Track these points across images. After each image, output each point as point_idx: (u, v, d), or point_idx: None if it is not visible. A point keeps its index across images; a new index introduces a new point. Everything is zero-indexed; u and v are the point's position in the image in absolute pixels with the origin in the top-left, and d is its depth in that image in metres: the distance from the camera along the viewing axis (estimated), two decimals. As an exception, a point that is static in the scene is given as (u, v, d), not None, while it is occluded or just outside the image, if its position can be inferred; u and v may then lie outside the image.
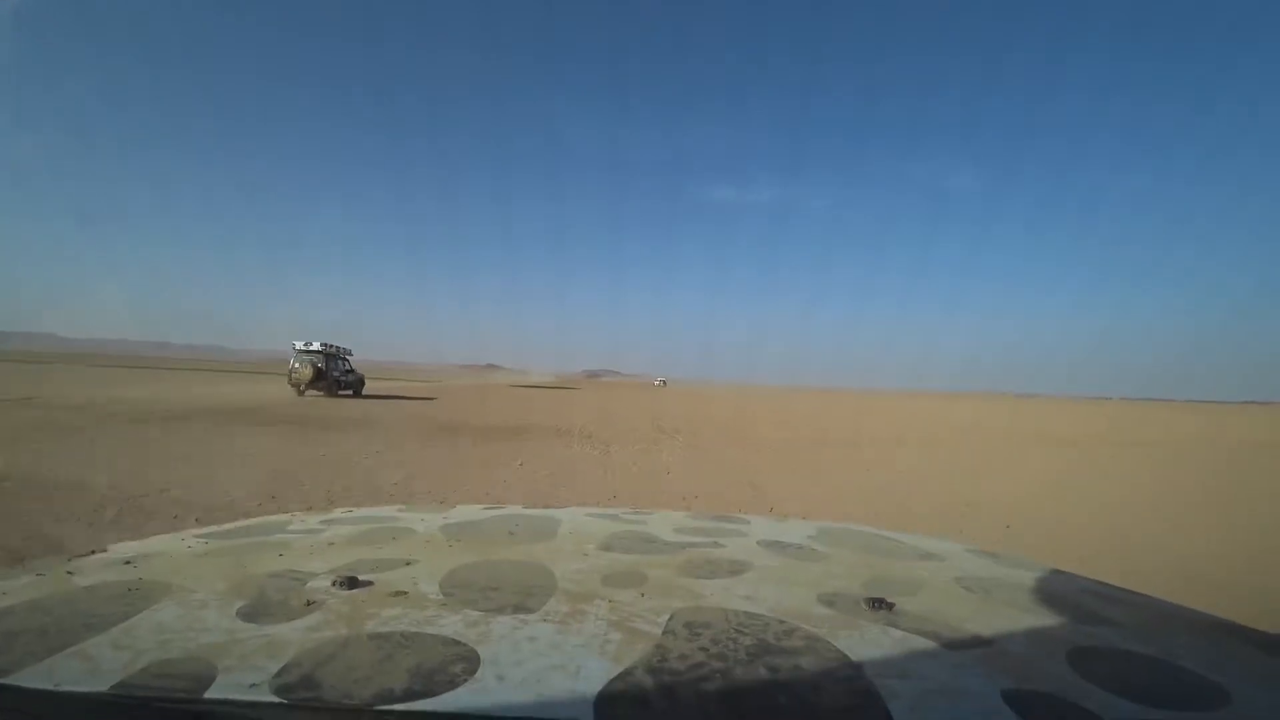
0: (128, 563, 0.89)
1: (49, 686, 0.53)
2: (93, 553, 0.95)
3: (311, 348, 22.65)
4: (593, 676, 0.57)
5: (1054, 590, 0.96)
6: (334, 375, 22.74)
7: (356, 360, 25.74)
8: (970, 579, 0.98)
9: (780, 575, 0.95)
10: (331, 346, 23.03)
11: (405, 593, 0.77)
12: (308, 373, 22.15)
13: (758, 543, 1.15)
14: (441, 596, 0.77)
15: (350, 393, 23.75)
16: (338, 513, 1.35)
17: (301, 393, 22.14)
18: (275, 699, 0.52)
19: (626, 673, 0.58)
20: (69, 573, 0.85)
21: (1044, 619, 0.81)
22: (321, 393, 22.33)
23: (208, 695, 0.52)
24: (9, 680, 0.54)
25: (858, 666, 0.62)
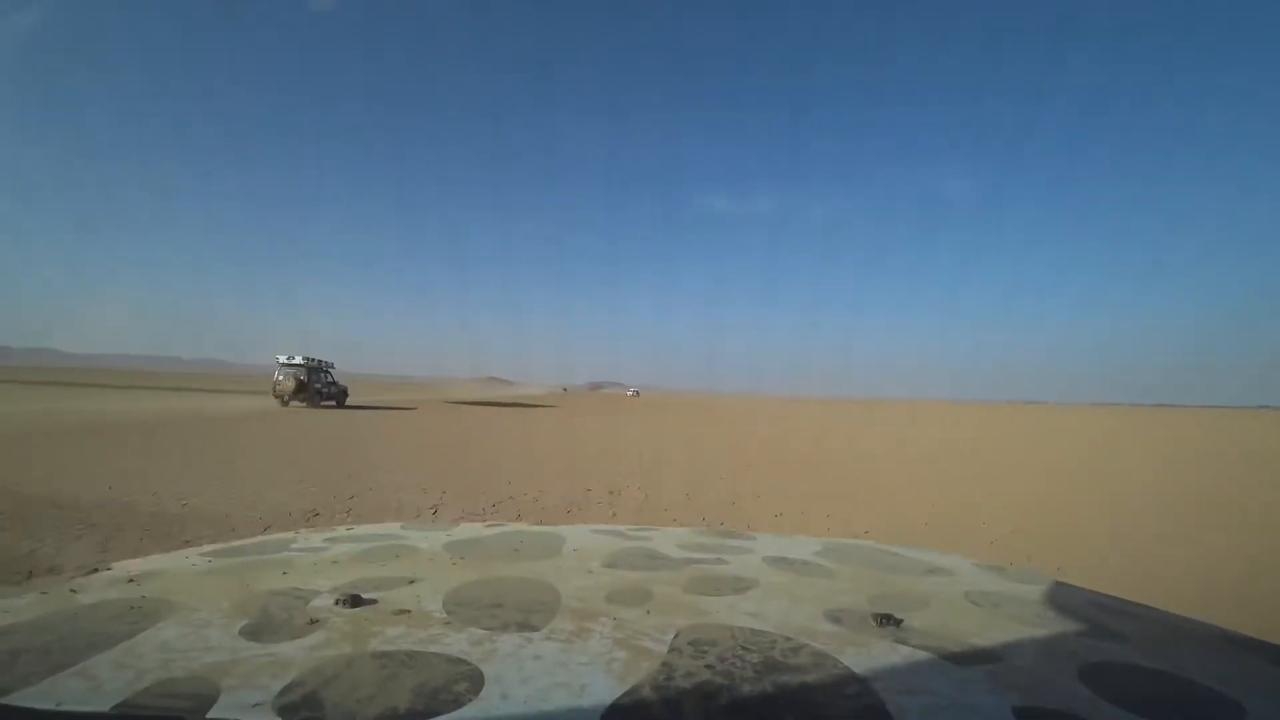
0: (131, 581, 0.89)
1: (50, 706, 0.53)
2: (96, 570, 0.95)
3: (294, 361, 23.09)
4: (598, 695, 0.56)
5: (1063, 604, 0.95)
6: (316, 387, 23.12)
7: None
8: (978, 593, 0.97)
9: (786, 592, 0.95)
10: (314, 359, 23.46)
11: (409, 611, 0.77)
12: (290, 385, 22.63)
13: (763, 559, 1.14)
14: (445, 615, 0.76)
15: (333, 404, 24.08)
16: (341, 530, 1.34)
17: (285, 404, 22.50)
18: (278, 719, 0.52)
19: (632, 691, 0.57)
20: (72, 591, 0.84)
21: (1054, 633, 0.80)
22: (304, 404, 22.64)
23: (210, 715, 0.52)
24: (10, 700, 0.54)
25: (865, 683, 0.61)
